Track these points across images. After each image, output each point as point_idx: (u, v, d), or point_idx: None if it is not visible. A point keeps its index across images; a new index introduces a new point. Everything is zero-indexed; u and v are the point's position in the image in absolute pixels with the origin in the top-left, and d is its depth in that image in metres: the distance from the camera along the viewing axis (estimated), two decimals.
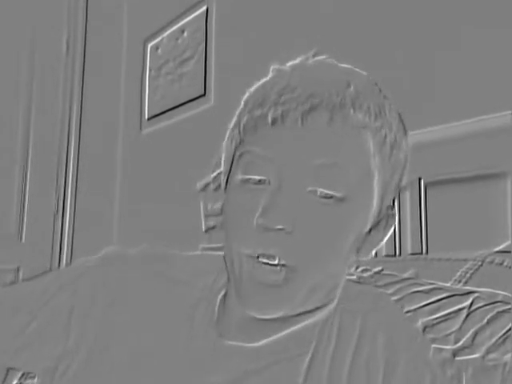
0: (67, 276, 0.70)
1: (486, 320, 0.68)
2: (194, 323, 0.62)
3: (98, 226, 2.28)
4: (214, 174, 0.70)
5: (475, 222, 1.06)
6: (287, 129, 0.54)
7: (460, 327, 0.68)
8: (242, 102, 0.60)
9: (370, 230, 0.58)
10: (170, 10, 2.12)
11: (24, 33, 2.30)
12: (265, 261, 0.53)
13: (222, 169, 0.63)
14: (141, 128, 2.26)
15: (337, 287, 0.60)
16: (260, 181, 0.55)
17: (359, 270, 0.83)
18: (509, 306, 0.69)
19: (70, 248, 2.31)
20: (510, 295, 0.72)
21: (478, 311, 0.70)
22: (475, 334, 0.66)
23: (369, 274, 0.83)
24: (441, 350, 0.58)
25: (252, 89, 0.60)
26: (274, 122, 0.54)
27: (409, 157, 0.60)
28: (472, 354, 0.62)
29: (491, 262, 0.83)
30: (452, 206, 1.11)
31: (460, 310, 0.71)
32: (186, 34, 2.06)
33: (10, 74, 2.28)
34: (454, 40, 1.15)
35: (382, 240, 0.61)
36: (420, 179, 1.17)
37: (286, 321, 0.57)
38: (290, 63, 0.60)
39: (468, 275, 0.82)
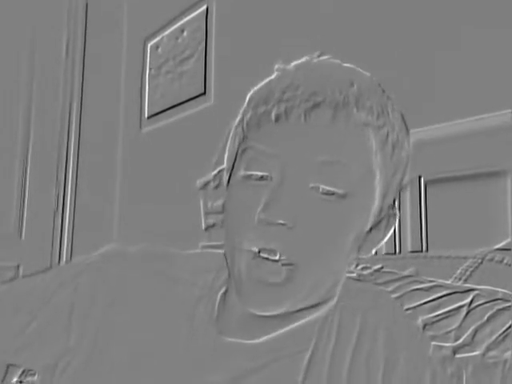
0: (67, 273, 0.70)
1: (486, 317, 0.68)
2: (194, 321, 0.62)
3: (98, 224, 2.29)
4: (215, 171, 0.70)
5: (475, 219, 1.06)
6: (290, 125, 0.54)
7: (460, 325, 0.68)
8: (246, 100, 0.60)
9: (371, 229, 0.59)
10: (169, 9, 2.12)
11: (24, 33, 2.30)
12: (265, 256, 0.53)
13: (223, 166, 0.63)
14: (141, 127, 2.26)
15: (337, 284, 0.60)
16: (262, 177, 0.55)
17: (359, 267, 0.83)
18: (509, 304, 0.69)
19: (69, 246, 2.31)
20: (510, 293, 0.72)
21: (478, 309, 0.70)
22: (475, 331, 0.66)
23: (369, 271, 0.83)
24: (441, 347, 0.58)
25: (256, 87, 0.61)
26: (277, 118, 0.55)
27: (410, 157, 0.60)
28: (472, 351, 0.62)
29: (491, 260, 0.83)
30: (452, 204, 1.11)
31: (460, 307, 0.71)
32: (185, 33, 2.06)
33: (10, 74, 2.27)
34: (454, 40, 1.15)
35: (382, 239, 0.61)
36: (420, 177, 1.17)
37: (286, 318, 0.57)
38: (294, 63, 0.60)
39: (468, 273, 0.82)
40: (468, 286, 0.76)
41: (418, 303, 0.73)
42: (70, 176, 2.33)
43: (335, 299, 0.60)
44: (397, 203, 0.63)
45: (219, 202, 0.62)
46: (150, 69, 2.24)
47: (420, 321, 0.68)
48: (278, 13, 1.63)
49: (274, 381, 0.56)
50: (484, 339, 0.65)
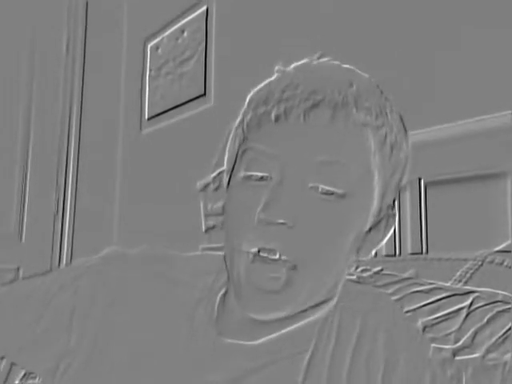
0: (67, 276, 0.70)
1: (485, 319, 0.68)
2: (194, 322, 0.62)
3: (98, 226, 2.28)
4: (215, 173, 0.70)
5: (475, 221, 1.06)
6: (290, 125, 0.55)
7: (460, 327, 0.68)
8: (246, 101, 0.61)
9: (371, 229, 0.59)
10: (170, 9, 2.12)
11: (24, 33, 2.30)
12: (265, 255, 0.53)
13: (223, 168, 0.63)
14: (141, 128, 2.26)
15: (337, 285, 0.60)
16: (262, 177, 0.55)
17: (359, 269, 0.83)
18: (509, 306, 0.69)
19: (69, 248, 2.31)
20: (510, 295, 0.72)
21: (477, 311, 0.70)
22: (475, 333, 0.66)
23: (368, 273, 0.83)
24: (441, 349, 0.58)
25: (256, 88, 0.61)
26: (277, 118, 0.55)
27: (409, 158, 0.61)
28: (472, 353, 0.62)
29: (491, 262, 0.84)
30: (452, 206, 1.11)
31: (460, 309, 0.71)
32: (186, 33, 2.06)
33: (10, 74, 2.28)
34: (454, 40, 1.15)
35: (382, 240, 0.61)
36: (420, 179, 1.17)
37: (285, 320, 0.57)
38: (293, 64, 0.60)
39: (468, 275, 0.82)
40: (468, 288, 0.76)
41: (418, 305, 0.73)
42: (70, 178, 2.33)
43: (335, 300, 0.60)
44: (397, 205, 0.63)
45: (219, 204, 0.62)
46: (150, 70, 2.24)
47: (420, 323, 0.68)
48: (278, 14, 1.63)
49: (273, 381, 0.56)
50: (484, 341, 0.65)
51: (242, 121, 0.60)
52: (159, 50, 2.20)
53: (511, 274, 0.80)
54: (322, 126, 0.54)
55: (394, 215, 0.61)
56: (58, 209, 2.30)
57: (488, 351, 0.63)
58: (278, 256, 0.53)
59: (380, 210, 0.59)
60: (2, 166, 2.23)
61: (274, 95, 0.56)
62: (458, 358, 0.59)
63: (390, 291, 0.76)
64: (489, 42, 1.09)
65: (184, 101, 2.02)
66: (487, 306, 0.70)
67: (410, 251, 1.15)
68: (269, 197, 0.53)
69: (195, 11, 2.01)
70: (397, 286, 0.78)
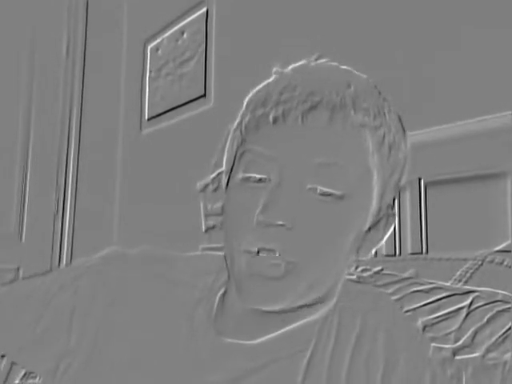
0: (67, 276, 0.70)
1: (485, 319, 0.68)
2: (194, 322, 0.63)
3: (98, 226, 2.28)
4: (214, 174, 0.70)
5: (475, 221, 1.06)
6: (288, 127, 0.55)
7: (460, 326, 0.68)
8: (244, 103, 0.61)
9: (370, 229, 0.59)
10: (170, 11, 2.12)
11: (24, 33, 2.31)
12: (265, 255, 0.53)
13: (222, 169, 0.63)
14: (141, 128, 2.26)
15: (337, 284, 0.60)
16: (261, 179, 0.56)
17: (359, 269, 0.83)
18: (509, 305, 0.69)
19: (69, 248, 2.31)
20: (509, 294, 0.72)
21: (477, 310, 0.70)
22: (475, 333, 0.66)
23: (368, 273, 0.83)
24: (441, 349, 0.58)
25: (254, 90, 0.61)
26: (275, 120, 0.55)
27: (408, 158, 0.61)
28: (472, 353, 0.62)
29: (491, 262, 0.84)
30: (452, 206, 1.11)
31: (460, 309, 0.71)
32: (186, 35, 2.06)
33: (10, 74, 2.28)
34: (454, 40, 1.15)
35: (381, 239, 0.61)
36: (420, 179, 1.17)
37: (285, 317, 0.58)
38: (291, 66, 0.61)
39: (468, 275, 0.82)
40: (468, 287, 0.76)
41: (418, 305, 0.73)
42: (70, 178, 2.33)
43: (334, 300, 0.60)
44: (397, 205, 0.63)
45: (218, 205, 0.62)
46: (150, 71, 2.24)
47: (420, 322, 0.68)
48: (277, 15, 1.63)
49: (273, 381, 0.56)
50: (484, 341, 0.65)
51: (240, 123, 0.60)
52: (159, 51, 2.20)
53: (511, 274, 0.81)
54: (320, 127, 0.54)
55: (394, 214, 0.61)
56: (58, 209, 2.30)
57: (488, 351, 0.63)
58: (277, 255, 0.53)
59: (379, 210, 0.59)
60: (2, 166, 2.24)
61: (272, 97, 0.56)
62: (458, 357, 0.59)
63: (389, 291, 0.76)
64: (489, 42, 1.09)
65: (184, 102, 2.02)
66: (487, 306, 0.70)
67: (410, 251, 1.15)
68: (267, 199, 0.54)
69: (195, 12, 2.02)
70: (397, 286, 0.78)
